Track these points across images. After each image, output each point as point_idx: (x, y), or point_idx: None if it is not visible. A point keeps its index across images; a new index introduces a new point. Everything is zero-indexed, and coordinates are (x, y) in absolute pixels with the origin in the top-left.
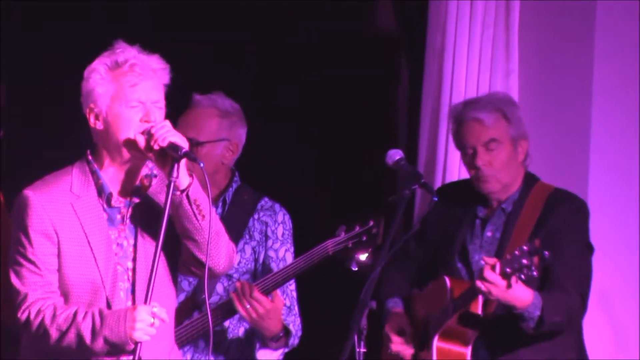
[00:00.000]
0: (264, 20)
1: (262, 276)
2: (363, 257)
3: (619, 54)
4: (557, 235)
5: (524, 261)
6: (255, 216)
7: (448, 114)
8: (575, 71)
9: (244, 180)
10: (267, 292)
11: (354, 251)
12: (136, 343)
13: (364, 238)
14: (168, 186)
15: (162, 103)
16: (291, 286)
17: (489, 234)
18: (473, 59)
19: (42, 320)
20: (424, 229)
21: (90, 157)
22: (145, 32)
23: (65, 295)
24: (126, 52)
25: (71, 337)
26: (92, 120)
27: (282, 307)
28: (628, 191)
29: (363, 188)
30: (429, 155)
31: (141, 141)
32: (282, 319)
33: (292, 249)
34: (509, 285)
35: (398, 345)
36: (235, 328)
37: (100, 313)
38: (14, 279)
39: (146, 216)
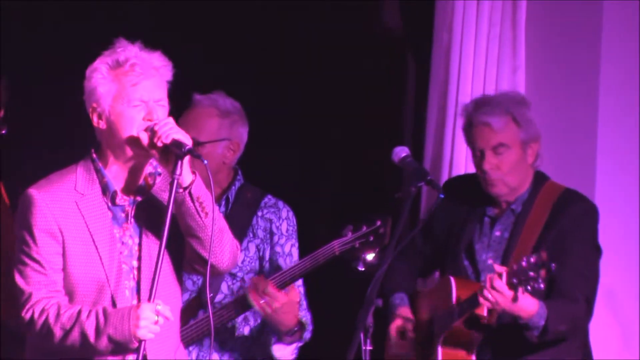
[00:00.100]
0: (270, 20)
1: (269, 273)
2: (370, 257)
3: (626, 51)
4: (566, 237)
5: (531, 273)
6: (259, 214)
7: (460, 111)
8: (582, 68)
9: (248, 180)
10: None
11: (361, 251)
12: (140, 341)
13: (371, 238)
14: (171, 183)
15: (164, 101)
16: (298, 282)
17: (497, 233)
18: (480, 56)
19: (46, 319)
20: (430, 223)
21: (94, 156)
22: (146, 32)
23: (70, 295)
24: (127, 51)
25: (75, 335)
26: (95, 119)
27: (298, 301)
28: (635, 188)
29: (369, 186)
30: (435, 153)
31: (144, 139)
32: (298, 313)
33: (297, 245)
34: (515, 298)
35: (399, 347)
36: (241, 327)
37: (105, 311)
38: (18, 278)
39: (150, 214)
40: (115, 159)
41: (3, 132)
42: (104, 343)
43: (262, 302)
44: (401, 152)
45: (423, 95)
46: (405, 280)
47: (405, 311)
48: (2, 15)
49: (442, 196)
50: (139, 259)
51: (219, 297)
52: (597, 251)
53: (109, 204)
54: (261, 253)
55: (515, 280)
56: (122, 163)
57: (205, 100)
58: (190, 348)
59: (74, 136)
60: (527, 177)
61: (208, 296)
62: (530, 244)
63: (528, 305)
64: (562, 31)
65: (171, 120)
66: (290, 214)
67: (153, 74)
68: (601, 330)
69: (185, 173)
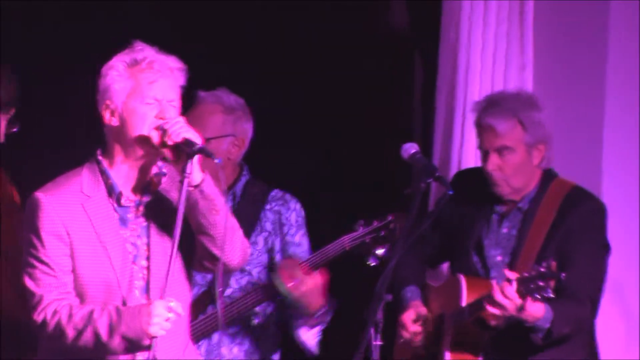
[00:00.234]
0: (277, 20)
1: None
2: (381, 252)
3: (632, 50)
4: (573, 237)
5: (540, 283)
6: (267, 207)
7: (471, 108)
8: (589, 65)
9: (255, 177)
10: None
11: (372, 246)
12: (152, 338)
13: (382, 233)
14: (181, 182)
15: (177, 102)
16: None
17: (505, 230)
18: (487, 54)
19: (59, 321)
20: (439, 216)
21: (99, 157)
22: (146, 33)
23: (81, 296)
24: (145, 51)
25: (88, 335)
26: (107, 116)
27: (325, 283)
28: None
29: (378, 184)
30: (444, 150)
31: (155, 137)
32: (323, 296)
33: (307, 234)
34: (523, 307)
35: (411, 335)
36: (251, 318)
37: (117, 310)
38: (28, 282)
39: (157, 214)
40: (125, 158)
41: (14, 130)
42: (117, 341)
43: (291, 284)
44: (410, 148)
45: (431, 93)
46: (415, 272)
47: (417, 304)
48: (2, 15)
49: (450, 192)
50: (148, 258)
51: (228, 292)
52: (604, 250)
53: (115, 205)
54: (270, 245)
55: (524, 289)
56: (132, 162)
57: (210, 97)
58: (200, 342)
59: (74, 136)
60: (533, 177)
61: (219, 294)
62: (538, 242)
63: (535, 311)
64: (569, 30)
65: (182, 119)
66: (298, 205)
67: (169, 74)
68: (610, 330)
69: (195, 171)
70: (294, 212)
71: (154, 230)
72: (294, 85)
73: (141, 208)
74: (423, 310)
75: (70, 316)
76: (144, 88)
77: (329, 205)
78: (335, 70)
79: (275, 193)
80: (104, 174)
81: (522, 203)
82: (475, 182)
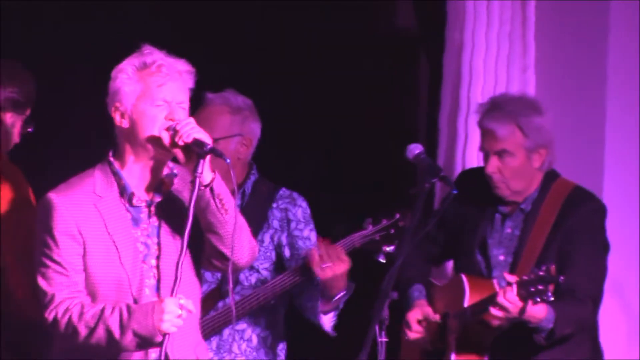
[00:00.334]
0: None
1: (289, 259)
2: (389, 249)
3: (633, 49)
4: (574, 237)
5: (540, 287)
6: (274, 205)
7: (476, 109)
8: (590, 66)
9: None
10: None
11: (381, 244)
12: (164, 335)
13: (392, 231)
14: (192, 182)
15: (186, 104)
16: None
17: (508, 230)
18: (490, 55)
19: (70, 319)
20: (444, 215)
21: (111, 159)
22: (146, 33)
23: (92, 295)
24: (154, 54)
25: (100, 333)
26: (117, 118)
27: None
28: None
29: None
30: (448, 150)
31: (166, 138)
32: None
33: (314, 230)
34: (524, 309)
35: (417, 333)
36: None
37: (128, 307)
38: (40, 281)
39: (169, 214)
40: (136, 159)
41: (30, 130)
42: (128, 338)
43: (324, 265)
44: (415, 149)
45: (435, 94)
46: (421, 270)
47: (423, 303)
48: (2, 15)
49: (455, 192)
50: (158, 258)
51: (236, 289)
52: (604, 249)
53: (127, 205)
54: (276, 242)
55: (525, 293)
56: (143, 163)
57: (217, 98)
58: (211, 339)
59: (74, 136)
60: (534, 179)
61: (231, 294)
62: (540, 243)
63: (537, 312)
64: (570, 30)
65: (192, 120)
66: (305, 203)
67: (177, 77)
68: (606, 327)
69: (206, 171)
70: (300, 208)
71: (164, 230)
72: (294, 85)
73: (153, 208)
74: (428, 310)
75: (81, 314)
76: (153, 91)
77: (333, 206)
78: (341, 70)
79: (283, 192)
80: (116, 174)
81: (524, 204)
82: (480, 181)
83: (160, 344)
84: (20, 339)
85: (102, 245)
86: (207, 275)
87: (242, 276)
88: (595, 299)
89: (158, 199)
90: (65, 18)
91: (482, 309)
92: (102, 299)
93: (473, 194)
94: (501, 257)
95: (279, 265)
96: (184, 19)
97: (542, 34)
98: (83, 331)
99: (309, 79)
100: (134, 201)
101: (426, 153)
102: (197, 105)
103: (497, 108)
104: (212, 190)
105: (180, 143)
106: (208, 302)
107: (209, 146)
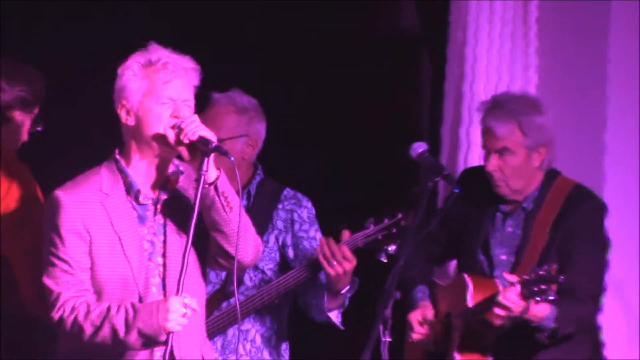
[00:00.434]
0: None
1: (293, 260)
2: (392, 248)
3: (633, 49)
4: (574, 236)
5: (542, 286)
6: (280, 206)
7: (478, 107)
8: (591, 65)
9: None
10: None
11: (384, 243)
12: (169, 333)
13: (394, 230)
14: (197, 180)
15: (191, 102)
16: None
17: (509, 229)
18: (493, 54)
19: (76, 317)
20: (447, 214)
21: (117, 156)
22: (146, 32)
23: (98, 293)
24: (159, 52)
25: (105, 331)
26: (123, 116)
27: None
28: None
29: (386, 183)
30: (451, 148)
31: (171, 136)
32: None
33: (319, 230)
34: (527, 309)
35: (419, 335)
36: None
37: (133, 306)
38: (46, 279)
39: (174, 212)
40: (142, 157)
41: (39, 128)
42: (133, 337)
43: (335, 263)
44: (419, 147)
45: (438, 93)
46: (423, 270)
47: (426, 304)
48: (2, 15)
49: (457, 191)
50: (164, 255)
51: (240, 289)
52: (604, 247)
53: (134, 203)
54: (280, 242)
55: (527, 292)
56: (149, 160)
57: (223, 98)
58: (215, 339)
59: (74, 135)
60: (535, 178)
61: (235, 291)
62: (542, 242)
63: (539, 311)
64: (571, 30)
65: (197, 118)
66: (310, 203)
67: (183, 74)
68: (606, 326)
69: (211, 169)
70: (305, 209)
71: (170, 228)
72: (298, 85)
73: (159, 206)
74: (431, 311)
75: (87, 313)
76: (159, 88)
77: (336, 205)
78: (344, 70)
79: (287, 192)
80: (122, 172)
81: (525, 203)
82: (481, 180)
83: (165, 343)
84: (20, 338)
85: (108, 243)
86: (212, 276)
87: (246, 277)
88: (596, 297)
89: (164, 196)
90: (65, 18)
91: (484, 309)
92: (108, 297)
93: (475, 193)
94: (503, 257)
95: (283, 266)
96: (184, 19)
97: (544, 33)
98: (89, 330)
99: (312, 79)
100: (141, 199)
101: (429, 152)
102: (200, 105)
103: (499, 106)
104: (216, 188)
105: (186, 141)
106: (212, 302)
107: (213, 144)
